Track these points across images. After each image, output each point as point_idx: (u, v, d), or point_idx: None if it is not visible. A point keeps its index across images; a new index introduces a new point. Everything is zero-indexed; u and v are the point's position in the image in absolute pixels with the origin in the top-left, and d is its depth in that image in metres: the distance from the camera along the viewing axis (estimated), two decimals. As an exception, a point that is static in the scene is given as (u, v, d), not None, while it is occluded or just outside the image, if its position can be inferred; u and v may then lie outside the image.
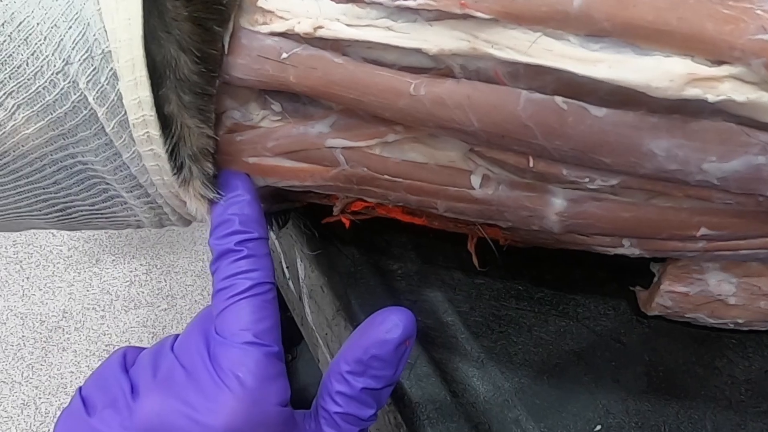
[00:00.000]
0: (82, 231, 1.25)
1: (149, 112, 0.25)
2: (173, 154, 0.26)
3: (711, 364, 0.31)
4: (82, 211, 0.30)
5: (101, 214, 0.30)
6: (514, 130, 0.23)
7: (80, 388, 0.28)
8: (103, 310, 1.19)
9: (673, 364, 0.31)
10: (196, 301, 1.21)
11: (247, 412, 0.25)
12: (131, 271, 1.24)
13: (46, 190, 0.28)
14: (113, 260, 1.25)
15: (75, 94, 0.25)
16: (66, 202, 0.29)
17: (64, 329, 1.16)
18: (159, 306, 1.20)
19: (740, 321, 0.30)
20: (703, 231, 0.25)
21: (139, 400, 0.25)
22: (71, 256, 1.25)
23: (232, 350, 0.25)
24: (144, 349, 0.29)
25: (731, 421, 0.29)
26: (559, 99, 0.22)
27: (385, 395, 0.28)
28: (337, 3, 0.24)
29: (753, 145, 0.22)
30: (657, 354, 0.31)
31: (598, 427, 0.29)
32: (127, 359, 0.28)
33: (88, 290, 1.22)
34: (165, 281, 1.24)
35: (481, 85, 0.23)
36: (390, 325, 0.27)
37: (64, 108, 0.25)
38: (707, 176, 0.22)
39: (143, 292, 1.22)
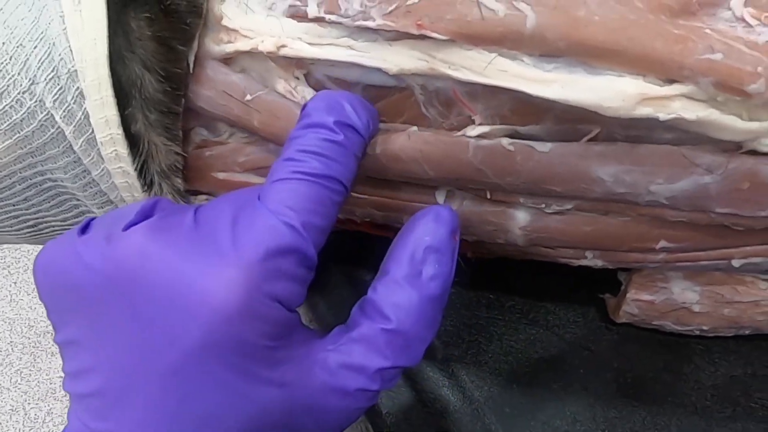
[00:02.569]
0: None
1: (116, 131, 0.25)
2: (142, 171, 0.26)
3: (678, 370, 0.31)
4: (53, 226, 0.30)
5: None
6: (467, 174, 0.24)
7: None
8: (92, 314, 1.19)
9: (641, 371, 0.31)
10: (185, 304, 1.21)
11: (247, 291, 0.20)
12: (120, 275, 1.24)
13: (16, 206, 0.29)
14: (102, 264, 1.25)
15: (42, 113, 0.25)
16: (37, 219, 0.30)
17: (52, 334, 1.16)
18: (148, 309, 1.20)
19: (705, 328, 0.30)
20: (662, 244, 0.26)
21: (128, 231, 0.21)
22: (59, 261, 1.25)
23: (267, 221, 0.21)
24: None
25: (697, 427, 0.30)
26: (505, 141, 0.23)
27: (437, 313, 0.23)
28: (299, 22, 0.24)
29: (698, 165, 0.22)
30: (625, 361, 0.31)
31: (566, 435, 0.29)
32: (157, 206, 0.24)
33: (76, 294, 1.21)
34: (154, 284, 1.24)
35: (431, 137, 0.24)
36: (433, 213, 0.23)
37: (32, 126, 0.26)
38: (656, 197, 0.23)
39: (132, 296, 1.22)
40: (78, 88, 0.25)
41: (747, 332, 0.30)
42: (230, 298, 0.20)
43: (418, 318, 0.22)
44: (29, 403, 1.09)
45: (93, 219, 0.23)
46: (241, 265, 0.20)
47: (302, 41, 0.24)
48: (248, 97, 0.25)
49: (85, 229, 0.22)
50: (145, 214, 0.22)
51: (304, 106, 0.24)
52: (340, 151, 0.23)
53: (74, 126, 0.25)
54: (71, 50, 0.25)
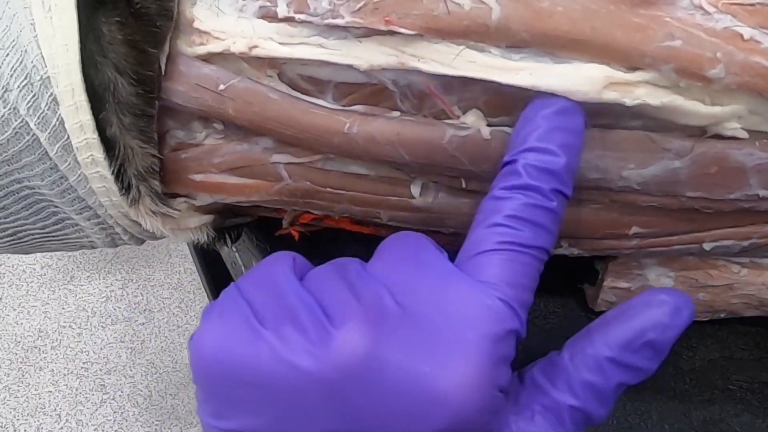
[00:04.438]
0: (55, 249, 1.24)
1: (92, 136, 0.25)
2: (119, 175, 0.26)
3: (657, 356, 0.32)
4: (33, 234, 0.30)
5: (53, 236, 0.30)
6: (442, 160, 0.24)
7: (237, 286, 0.23)
8: (79, 328, 1.18)
9: (621, 358, 0.32)
10: (173, 314, 1.21)
11: (481, 387, 0.19)
12: (107, 287, 1.24)
13: (-6, 216, 0.29)
14: (88, 276, 1.24)
15: (16, 120, 0.25)
16: (16, 227, 0.29)
17: (40, 349, 1.15)
18: (136, 320, 1.20)
19: (682, 313, 0.31)
20: (635, 230, 0.26)
21: (341, 326, 0.20)
22: (45, 275, 1.24)
23: (484, 300, 0.20)
24: (308, 262, 0.24)
25: (676, 411, 0.30)
26: (484, 130, 0.24)
27: (620, 394, 0.22)
28: (270, 22, 0.25)
29: (668, 150, 0.23)
30: (605, 349, 0.32)
31: (548, 423, 0.29)
32: (296, 267, 0.23)
33: (63, 308, 1.21)
34: (141, 295, 1.23)
35: (409, 122, 0.24)
36: (673, 307, 0.21)
37: (6, 134, 0.26)
38: (628, 182, 0.24)
39: (120, 308, 1.21)
40: (51, 94, 0.25)
41: (723, 316, 0.31)
42: (467, 398, 0.19)
43: (605, 402, 0.22)
44: (18, 420, 1.08)
45: (241, 290, 0.22)
46: (472, 358, 0.19)
47: (273, 41, 0.25)
48: (221, 87, 0.25)
49: (255, 314, 0.21)
50: (300, 276, 0.22)
51: (511, 161, 0.22)
52: (553, 218, 0.21)
53: (49, 132, 0.26)
54: (43, 57, 0.25)
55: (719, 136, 0.23)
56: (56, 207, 0.28)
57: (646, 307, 0.21)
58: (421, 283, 0.21)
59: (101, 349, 1.16)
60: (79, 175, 0.27)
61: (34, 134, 0.26)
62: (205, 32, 0.25)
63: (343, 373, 0.19)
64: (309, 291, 0.21)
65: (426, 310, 0.20)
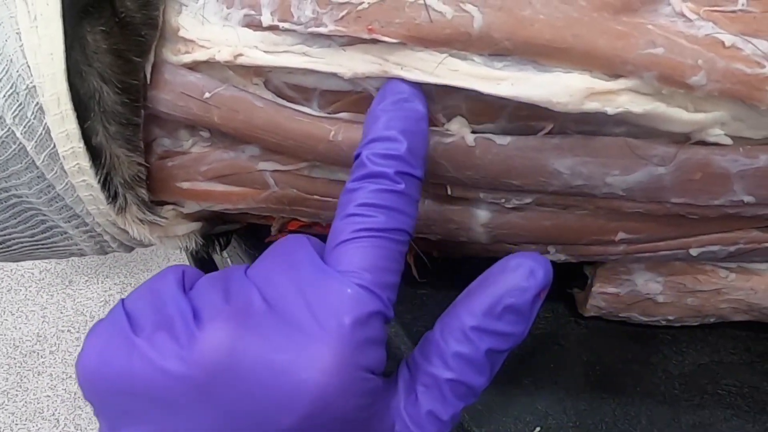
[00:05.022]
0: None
1: (78, 144, 0.25)
2: (106, 183, 0.26)
3: (646, 360, 0.32)
4: (22, 243, 0.30)
5: (42, 245, 0.30)
6: (427, 168, 0.24)
7: (123, 301, 0.23)
8: (78, 332, 1.18)
9: (610, 363, 0.32)
10: (172, 317, 1.21)
11: (342, 370, 0.20)
12: (105, 291, 1.24)
13: (-18, 225, 0.29)
14: (86, 281, 1.24)
15: (2, 129, 0.25)
16: (5, 236, 0.29)
17: (38, 353, 1.15)
18: (135, 324, 1.20)
19: (671, 318, 0.31)
20: (621, 235, 0.26)
21: (204, 328, 0.20)
22: (43, 279, 1.24)
23: (343, 289, 0.20)
24: (202, 273, 0.24)
25: (665, 415, 0.30)
26: (468, 138, 0.24)
27: (499, 362, 0.23)
28: (254, 31, 0.25)
29: (652, 157, 0.23)
30: (594, 354, 0.32)
31: (537, 429, 0.29)
32: (186, 279, 0.23)
33: (62, 312, 1.21)
34: (140, 299, 1.23)
35: None
36: (527, 270, 0.22)
37: (-7, 144, 0.26)
38: (612, 189, 0.24)
39: (118, 312, 1.21)
40: (37, 103, 0.25)
41: (712, 320, 0.31)
42: (326, 380, 0.19)
43: (480, 370, 0.22)
44: (17, 424, 1.08)
45: (124, 302, 0.23)
46: (330, 343, 0.20)
47: (258, 49, 0.25)
48: (207, 95, 0.25)
49: (131, 324, 0.21)
50: (184, 289, 0.22)
51: (358, 154, 0.23)
52: (405, 200, 0.22)
53: (35, 141, 0.26)
54: (29, 66, 0.25)
55: (703, 143, 0.23)
56: (44, 215, 0.28)
57: (502, 273, 0.22)
58: (290, 280, 0.21)
59: (99, 353, 1.16)
60: (66, 184, 0.27)
61: (20, 143, 0.26)
62: (191, 41, 0.25)
63: (209, 371, 0.20)
64: (189, 298, 0.22)
65: (291, 305, 0.21)
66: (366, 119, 0.23)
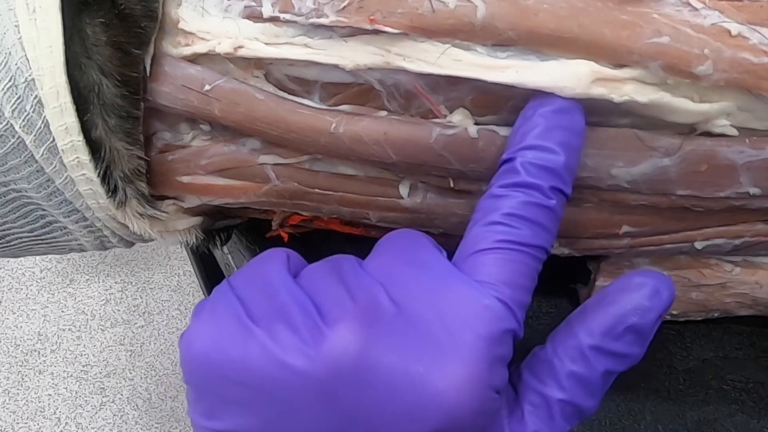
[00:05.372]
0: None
1: (77, 138, 0.25)
2: (105, 177, 0.26)
3: (651, 356, 0.31)
4: (21, 238, 0.30)
5: (41, 240, 0.30)
6: (430, 160, 0.24)
7: (230, 282, 0.22)
8: (78, 331, 1.18)
9: (614, 358, 0.31)
10: (173, 316, 1.21)
11: (476, 387, 0.19)
12: (106, 290, 1.23)
13: (-19, 220, 0.28)
14: (87, 279, 1.24)
15: (1, 123, 0.25)
16: (4, 231, 0.29)
17: (39, 352, 1.15)
18: (136, 323, 1.20)
19: (675, 312, 0.30)
20: (625, 229, 0.26)
21: (334, 326, 0.19)
22: (44, 278, 1.24)
23: (480, 300, 0.19)
24: (303, 259, 0.24)
25: (670, 411, 0.30)
26: (471, 129, 0.23)
27: (609, 383, 0.22)
28: (255, 22, 0.24)
29: (657, 148, 0.22)
30: (598, 349, 0.32)
31: (541, 425, 0.29)
32: (290, 264, 0.22)
33: (62, 311, 1.21)
34: (141, 298, 1.23)
35: (396, 122, 0.24)
36: (651, 289, 0.21)
37: (-9, 138, 0.25)
38: (617, 180, 0.23)
39: (119, 310, 1.21)
40: (36, 96, 0.25)
41: (717, 315, 0.31)
42: (461, 397, 0.18)
43: (593, 392, 0.21)
44: (18, 423, 1.08)
45: (233, 286, 0.22)
46: (466, 358, 0.19)
47: (259, 41, 0.24)
48: (207, 87, 0.25)
49: (247, 312, 0.21)
50: (294, 273, 0.22)
51: (509, 159, 0.21)
52: (552, 217, 0.21)
53: (34, 135, 0.25)
54: (27, 59, 0.24)
55: (708, 134, 0.23)
56: (44, 210, 0.28)
57: (624, 292, 0.21)
58: (418, 281, 0.20)
59: (101, 351, 1.16)
60: (66, 178, 0.26)
61: (19, 137, 0.25)
62: (191, 33, 0.25)
63: (335, 372, 0.19)
64: (303, 289, 0.21)
65: (421, 310, 0.20)
66: (519, 121, 0.22)
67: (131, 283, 1.25)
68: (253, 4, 0.24)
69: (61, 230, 0.30)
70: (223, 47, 0.25)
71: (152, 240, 0.30)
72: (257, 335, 0.20)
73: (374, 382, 0.19)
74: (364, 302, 0.20)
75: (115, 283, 1.24)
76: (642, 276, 0.21)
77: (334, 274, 0.21)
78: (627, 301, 0.21)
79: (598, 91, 0.21)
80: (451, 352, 0.19)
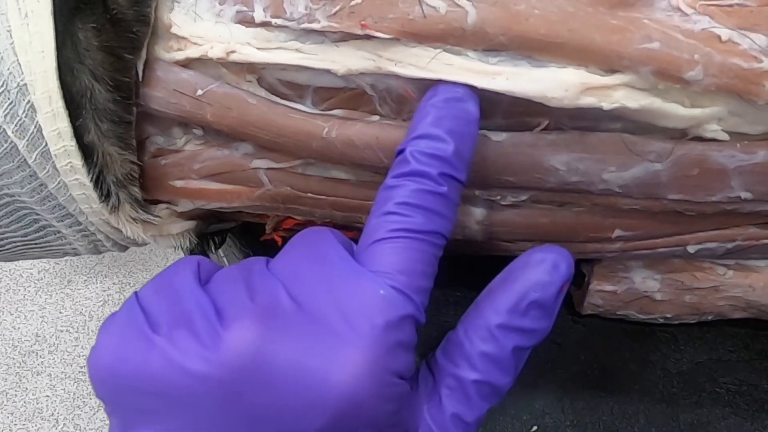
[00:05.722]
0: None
1: (69, 143, 0.25)
2: (98, 182, 0.26)
3: (645, 358, 0.32)
4: (15, 242, 0.30)
5: (35, 244, 0.30)
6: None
7: (137, 295, 0.22)
8: (77, 332, 1.18)
9: (608, 361, 0.31)
10: (171, 317, 1.21)
11: (373, 374, 0.19)
12: (104, 291, 1.23)
13: (-25, 224, 0.28)
14: (85, 280, 1.24)
15: (-7, 128, 0.25)
16: (-3, 235, 0.29)
17: (37, 353, 1.15)
18: (134, 324, 1.19)
19: (669, 315, 0.30)
20: (618, 233, 0.26)
21: (230, 327, 0.19)
22: (42, 279, 1.24)
23: (375, 289, 0.20)
24: (217, 265, 0.24)
25: (664, 414, 0.30)
26: None
27: (523, 360, 0.22)
28: (247, 27, 0.24)
29: (649, 153, 0.22)
30: (592, 352, 0.32)
31: (535, 428, 0.29)
32: (201, 271, 0.23)
33: (60, 312, 1.21)
34: (139, 299, 1.23)
35: (388, 126, 0.24)
36: (550, 264, 0.21)
37: (-16, 143, 0.25)
38: (609, 185, 0.23)
39: (117, 311, 1.21)
40: (29, 101, 0.25)
41: (710, 318, 0.31)
42: (357, 384, 0.19)
43: (506, 369, 0.21)
44: (16, 425, 1.08)
45: (138, 297, 0.22)
46: (363, 346, 0.19)
47: (251, 46, 0.24)
48: (199, 92, 0.25)
49: (148, 320, 0.21)
50: (200, 282, 0.22)
51: (401, 150, 0.22)
52: (445, 203, 0.21)
53: (27, 140, 0.25)
54: (20, 64, 0.24)
55: (700, 138, 0.23)
56: (37, 215, 0.28)
57: (525, 269, 0.22)
58: (318, 277, 0.21)
59: (99, 353, 1.16)
60: (59, 183, 0.26)
61: (12, 142, 0.25)
62: (183, 37, 0.25)
63: (234, 372, 0.19)
64: (209, 294, 0.21)
65: (320, 304, 0.20)
66: (414, 114, 0.22)
67: (129, 284, 1.25)
68: (245, 9, 0.24)
69: (55, 234, 0.30)
70: (216, 52, 0.25)
71: (146, 244, 0.30)
72: (158, 343, 0.20)
73: (273, 378, 0.19)
74: (262, 301, 0.20)
75: (113, 284, 1.24)
76: (541, 251, 0.22)
77: (239, 277, 0.22)
78: (528, 277, 0.21)
79: (588, 100, 0.21)
80: (347, 341, 0.19)
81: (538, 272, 0.21)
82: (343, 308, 0.20)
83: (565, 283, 0.22)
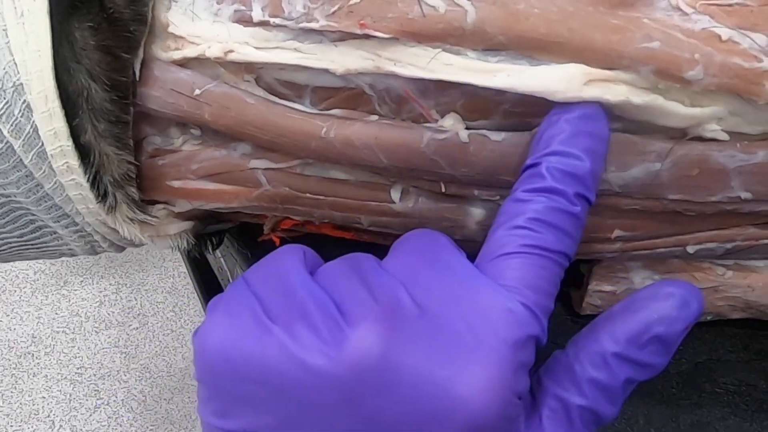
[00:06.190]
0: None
1: (66, 143, 0.25)
2: (95, 182, 0.26)
3: (644, 359, 0.31)
4: (11, 243, 0.30)
5: (32, 245, 0.30)
6: (421, 164, 0.24)
7: (245, 278, 0.22)
8: (73, 333, 1.18)
9: (607, 362, 0.31)
10: (167, 318, 1.21)
11: (501, 393, 0.18)
12: (100, 291, 1.23)
13: (-30, 225, 0.28)
14: (81, 281, 1.24)
15: (-11, 128, 0.25)
16: (-7, 236, 0.29)
17: (33, 354, 1.15)
18: (130, 325, 1.19)
19: (668, 316, 0.30)
20: (617, 233, 0.26)
21: (356, 326, 0.19)
22: (38, 280, 1.24)
23: (506, 305, 0.19)
24: (318, 257, 0.23)
25: (663, 415, 0.30)
26: (462, 134, 0.23)
27: (629, 392, 0.21)
28: (245, 27, 0.24)
29: (649, 153, 0.22)
30: (591, 352, 0.32)
31: (534, 429, 0.29)
32: (307, 261, 0.22)
33: (56, 313, 1.20)
34: (135, 300, 1.23)
35: (387, 126, 0.24)
36: (680, 300, 0.20)
37: (-21, 143, 0.25)
38: (609, 185, 0.23)
39: (113, 312, 1.21)
40: (25, 101, 0.25)
41: (709, 318, 0.31)
42: (486, 401, 0.18)
43: (614, 399, 0.21)
44: (12, 426, 1.07)
45: (249, 282, 0.21)
46: (492, 362, 0.18)
47: (249, 45, 0.24)
48: (197, 92, 0.25)
49: (266, 312, 0.20)
50: (310, 270, 0.21)
51: (534, 164, 0.21)
52: (576, 224, 0.21)
53: (23, 140, 0.25)
54: (15, 63, 0.24)
55: (700, 138, 0.23)
56: (33, 215, 0.28)
57: (652, 300, 0.21)
58: (440, 283, 0.20)
59: (95, 354, 1.16)
60: (55, 183, 0.26)
61: (7, 142, 0.25)
62: (180, 37, 0.25)
63: (357, 374, 0.19)
64: (321, 286, 0.21)
65: (445, 312, 0.19)
66: (543, 126, 0.22)
67: (125, 284, 1.24)
68: (243, 8, 0.24)
69: (51, 235, 0.29)
70: (213, 51, 0.24)
71: (143, 245, 0.30)
72: (275, 333, 0.19)
73: (397, 384, 0.18)
74: (386, 302, 0.19)
75: (110, 284, 1.24)
76: (672, 285, 0.21)
77: (353, 272, 0.21)
78: (654, 309, 0.21)
79: (592, 92, 0.21)
80: (476, 356, 0.19)
81: (665, 306, 0.20)
82: (469, 319, 0.19)
83: (692, 322, 0.21)
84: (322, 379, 0.19)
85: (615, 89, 0.21)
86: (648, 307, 0.21)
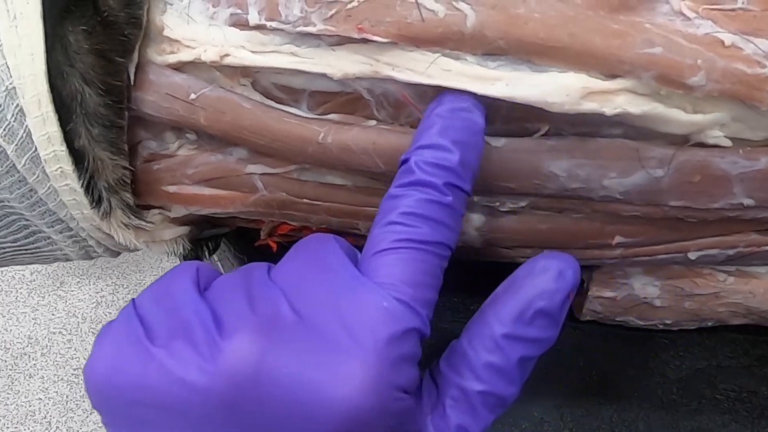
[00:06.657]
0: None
1: (60, 147, 0.25)
2: (89, 187, 0.26)
3: (644, 365, 0.31)
4: (5, 248, 0.29)
5: (26, 250, 0.30)
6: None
7: (134, 302, 0.22)
8: (69, 334, 1.17)
9: (607, 368, 0.31)
10: (164, 319, 1.20)
11: (377, 389, 0.18)
12: (97, 292, 1.23)
13: (-37, 230, 0.28)
14: (78, 282, 1.23)
15: (-19, 132, 0.25)
16: (-14, 241, 0.29)
17: (30, 356, 1.14)
18: (127, 326, 1.19)
19: (668, 321, 0.30)
20: (618, 239, 0.25)
21: (230, 338, 0.19)
22: (34, 280, 1.23)
23: (379, 302, 0.19)
24: (216, 271, 0.23)
25: (664, 421, 0.29)
26: None
27: (529, 370, 0.22)
28: (241, 30, 0.24)
29: (650, 159, 0.22)
30: (591, 359, 0.31)
31: (533, 436, 0.29)
32: (200, 278, 0.22)
33: (53, 314, 1.20)
34: (132, 301, 1.22)
35: (385, 131, 0.24)
36: (555, 271, 0.21)
37: (-29, 148, 0.25)
38: (610, 191, 0.23)
39: (110, 313, 1.21)
40: (18, 105, 0.24)
41: (710, 324, 0.31)
42: (361, 399, 0.18)
43: (512, 379, 0.21)
44: (8, 428, 1.07)
45: (136, 304, 0.21)
46: (366, 360, 0.19)
47: (245, 49, 0.24)
48: (192, 96, 0.24)
49: (146, 330, 0.20)
50: (199, 289, 0.21)
51: (405, 160, 0.22)
52: (450, 214, 0.21)
53: (16, 144, 0.25)
54: (8, 67, 0.24)
55: (702, 145, 0.23)
56: (27, 220, 0.28)
57: (530, 277, 0.21)
58: (321, 288, 0.20)
59: (92, 355, 1.15)
60: (49, 188, 0.26)
61: (0, 147, 0.25)
62: (176, 40, 0.25)
63: (234, 385, 0.19)
64: (208, 302, 0.21)
65: (323, 316, 0.20)
66: (420, 123, 0.22)
67: (122, 285, 1.24)
68: (239, 11, 0.24)
69: (45, 240, 0.29)
70: (209, 55, 0.24)
71: (138, 250, 0.30)
72: (155, 354, 0.20)
73: (275, 393, 0.19)
74: (263, 312, 0.20)
75: (106, 285, 1.23)
76: (546, 259, 0.21)
77: (240, 285, 0.21)
78: (533, 285, 0.21)
79: (590, 105, 0.21)
80: (350, 355, 0.19)
81: (543, 280, 0.21)
82: (345, 321, 0.19)
83: (571, 291, 0.21)
84: (202, 395, 0.19)
85: (614, 101, 0.21)
86: (527, 284, 0.21)
